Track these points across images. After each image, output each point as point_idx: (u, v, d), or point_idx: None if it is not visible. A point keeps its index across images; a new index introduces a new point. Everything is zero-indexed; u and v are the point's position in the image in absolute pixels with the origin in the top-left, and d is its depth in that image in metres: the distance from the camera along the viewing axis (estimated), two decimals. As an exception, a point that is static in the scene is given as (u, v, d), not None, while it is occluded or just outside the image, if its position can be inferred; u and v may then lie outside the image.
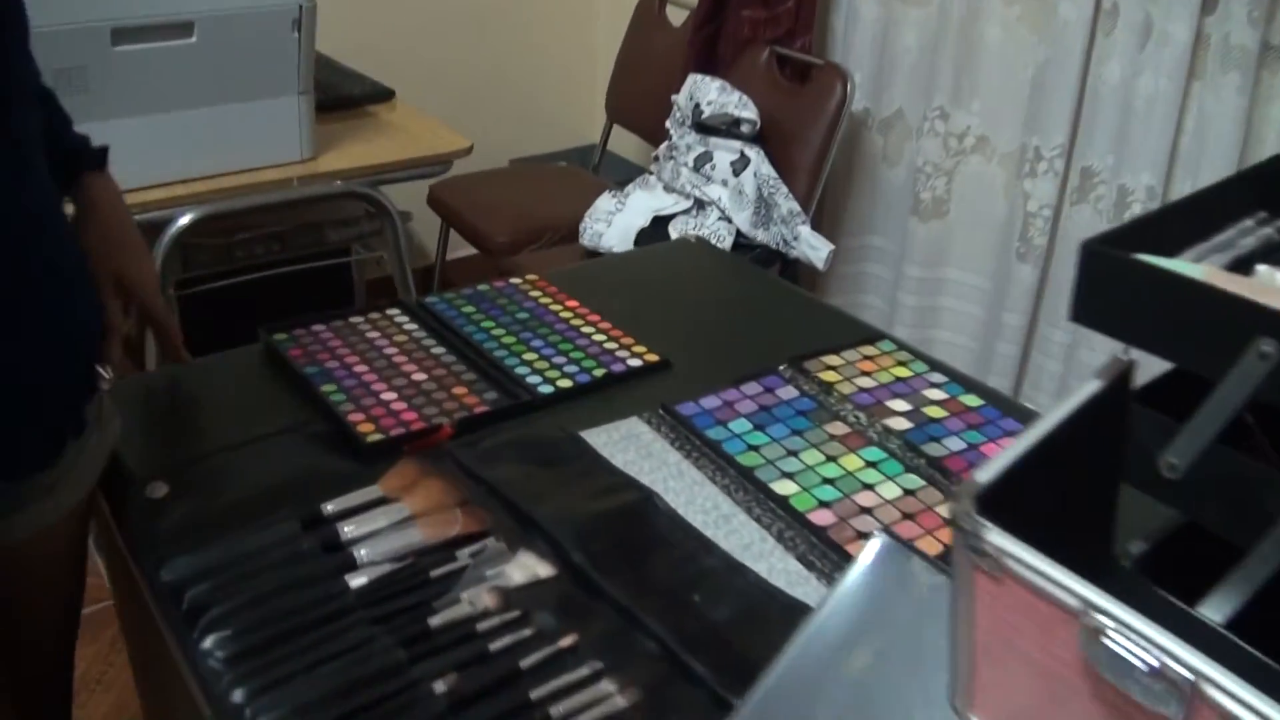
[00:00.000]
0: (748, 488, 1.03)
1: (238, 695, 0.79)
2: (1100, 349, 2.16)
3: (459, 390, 1.14)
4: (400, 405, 1.11)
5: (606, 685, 0.82)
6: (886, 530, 0.83)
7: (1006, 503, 0.54)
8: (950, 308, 2.45)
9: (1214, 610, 0.58)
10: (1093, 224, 2.12)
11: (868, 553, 0.82)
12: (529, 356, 1.21)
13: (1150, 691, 0.45)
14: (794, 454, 1.08)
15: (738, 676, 0.82)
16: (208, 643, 0.82)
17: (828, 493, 1.03)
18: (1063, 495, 0.60)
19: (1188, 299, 0.58)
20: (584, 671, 0.83)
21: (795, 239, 2.22)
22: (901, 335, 2.46)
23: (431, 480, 0.99)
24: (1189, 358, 0.60)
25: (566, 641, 0.85)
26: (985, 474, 0.54)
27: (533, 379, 1.16)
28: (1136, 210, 2.02)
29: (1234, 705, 0.43)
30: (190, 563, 0.89)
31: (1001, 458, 0.55)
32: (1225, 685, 0.43)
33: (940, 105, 2.30)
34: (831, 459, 1.07)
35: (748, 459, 1.07)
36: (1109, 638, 0.46)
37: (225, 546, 0.90)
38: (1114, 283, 0.63)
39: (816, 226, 2.29)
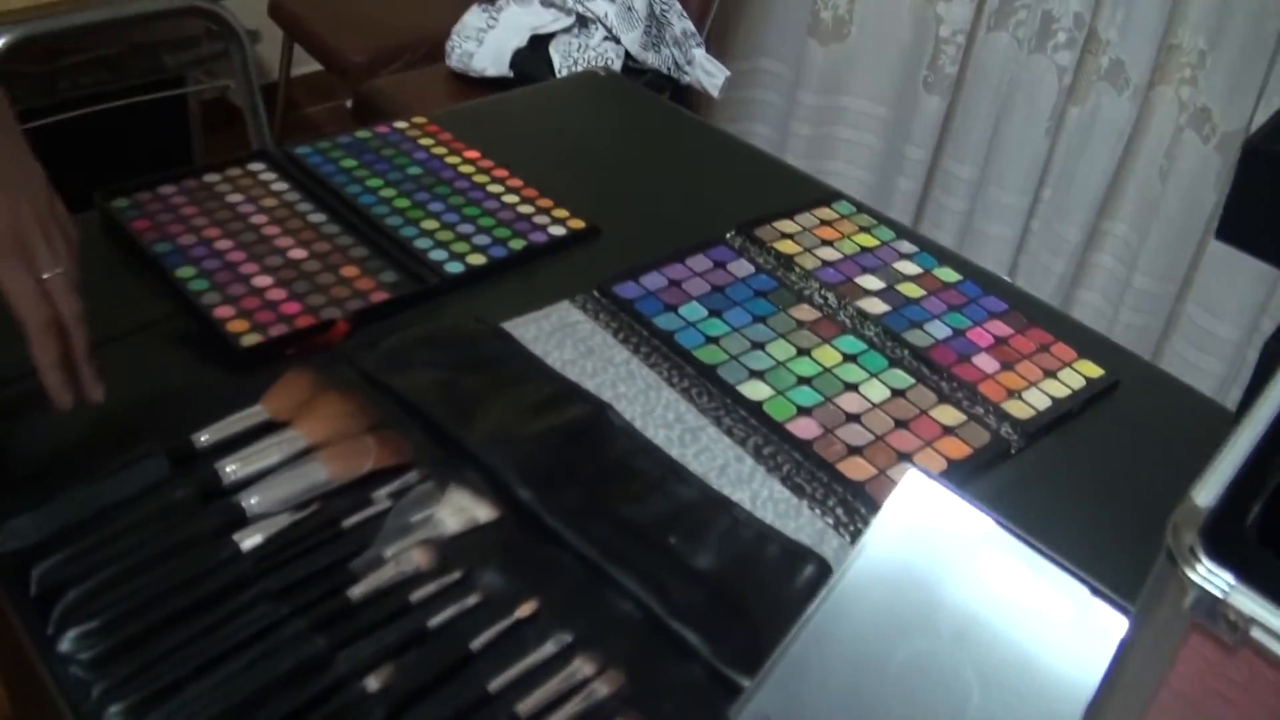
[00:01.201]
0: (712, 391, 0.88)
1: (113, 713, 0.61)
2: (1011, 188, 2.05)
3: (349, 272, 0.94)
4: (279, 294, 0.90)
5: (581, 665, 0.67)
6: (913, 463, 0.69)
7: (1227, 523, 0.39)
8: (847, 139, 2.30)
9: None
10: (1011, 53, 1.98)
11: (898, 495, 0.68)
12: (430, 225, 1.01)
13: None
14: (760, 346, 0.92)
15: (739, 647, 0.68)
16: (67, 643, 0.63)
17: (806, 396, 0.88)
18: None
19: None
20: (550, 649, 0.67)
21: (689, 63, 2.01)
22: (793, 166, 2.31)
23: (330, 397, 0.80)
24: None
25: (524, 610, 0.69)
26: (1207, 494, 0.39)
27: (438, 255, 0.97)
28: (1061, 40, 1.88)
29: None
30: (34, 523, 0.69)
31: (1219, 469, 0.40)
32: None
33: (845, -87, 2.10)
34: (804, 352, 0.92)
35: (707, 354, 0.91)
36: None
37: (77, 498, 0.71)
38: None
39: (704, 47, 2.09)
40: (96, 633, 0.64)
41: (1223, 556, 0.38)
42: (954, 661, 0.64)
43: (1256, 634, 0.37)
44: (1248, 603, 0.37)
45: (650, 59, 2.00)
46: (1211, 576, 0.38)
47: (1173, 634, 0.40)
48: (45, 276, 0.71)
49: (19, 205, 0.71)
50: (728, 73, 2.03)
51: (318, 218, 1.00)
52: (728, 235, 1.05)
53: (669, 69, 2.02)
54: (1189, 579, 0.38)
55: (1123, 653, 0.43)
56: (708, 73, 2.01)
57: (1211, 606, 0.38)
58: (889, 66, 2.17)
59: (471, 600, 0.69)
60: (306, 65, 2.43)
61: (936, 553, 0.67)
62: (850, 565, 0.66)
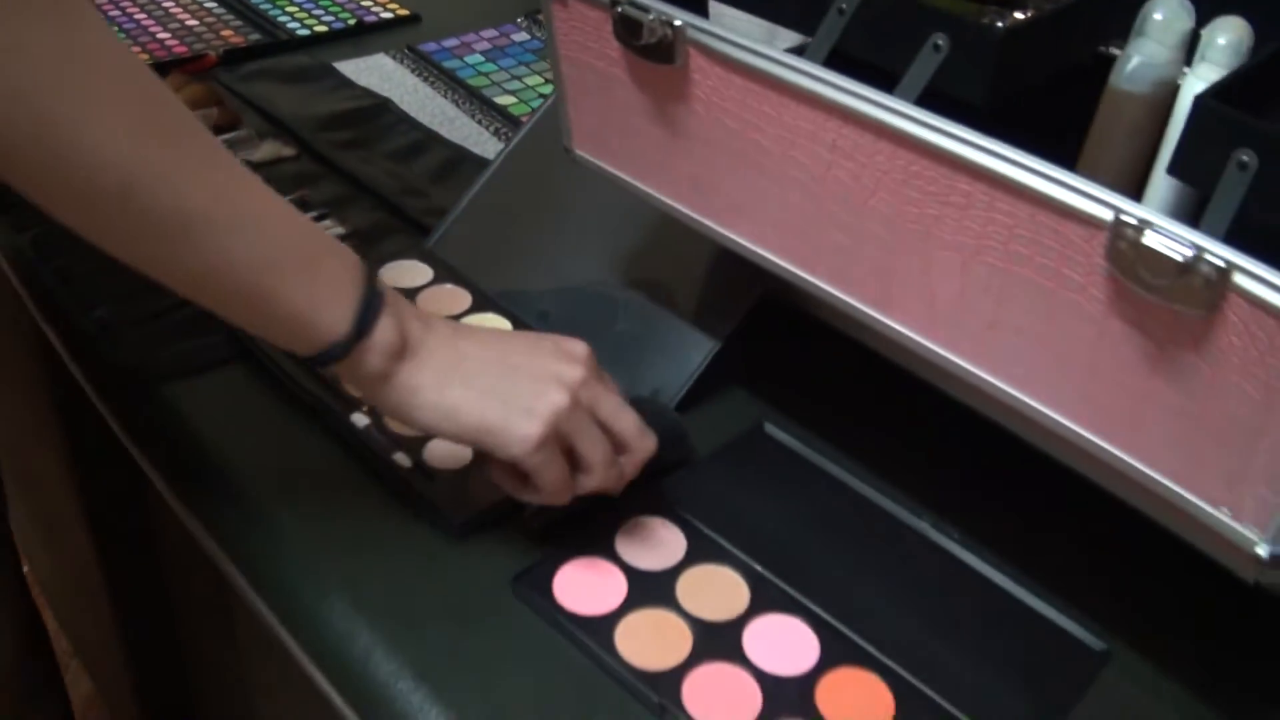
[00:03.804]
0: (474, 101, 1.19)
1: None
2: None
3: (225, 33, 1.27)
4: (173, 42, 1.23)
5: (329, 223, 0.98)
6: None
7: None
8: None
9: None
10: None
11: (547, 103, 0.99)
12: (291, 9, 1.33)
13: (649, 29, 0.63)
14: (519, 79, 1.24)
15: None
16: None
17: (541, 103, 1.19)
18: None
19: None
20: (311, 215, 0.99)
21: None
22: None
23: (194, 87, 1.12)
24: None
25: (296, 195, 1.01)
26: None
27: (292, 25, 1.29)
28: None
29: (720, 44, 0.61)
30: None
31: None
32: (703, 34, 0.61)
33: None
34: (549, 81, 1.23)
35: (477, 81, 1.22)
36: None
37: None
38: None
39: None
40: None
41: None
42: (589, 202, 0.94)
43: None
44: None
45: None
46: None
47: (548, 13, 0.70)
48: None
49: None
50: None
51: (211, 4, 1.33)
52: (518, 20, 1.36)
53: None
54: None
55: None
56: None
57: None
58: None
59: (265, 188, 1.01)
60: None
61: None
62: (505, 152, 0.97)
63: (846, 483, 0.78)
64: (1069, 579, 0.72)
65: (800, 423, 0.82)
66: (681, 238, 0.86)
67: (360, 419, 0.77)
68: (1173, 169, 0.67)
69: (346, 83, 1.18)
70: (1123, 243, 0.50)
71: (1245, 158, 0.64)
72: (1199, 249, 0.48)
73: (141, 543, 1.08)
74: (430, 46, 1.27)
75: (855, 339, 0.78)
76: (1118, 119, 0.70)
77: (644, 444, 0.67)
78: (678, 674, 0.64)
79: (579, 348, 0.66)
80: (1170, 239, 0.49)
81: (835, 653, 0.66)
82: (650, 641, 0.65)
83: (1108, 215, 0.50)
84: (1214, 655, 0.69)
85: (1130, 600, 0.72)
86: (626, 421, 0.66)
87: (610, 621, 0.66)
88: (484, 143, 1.11)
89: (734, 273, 0.83)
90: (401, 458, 0.75)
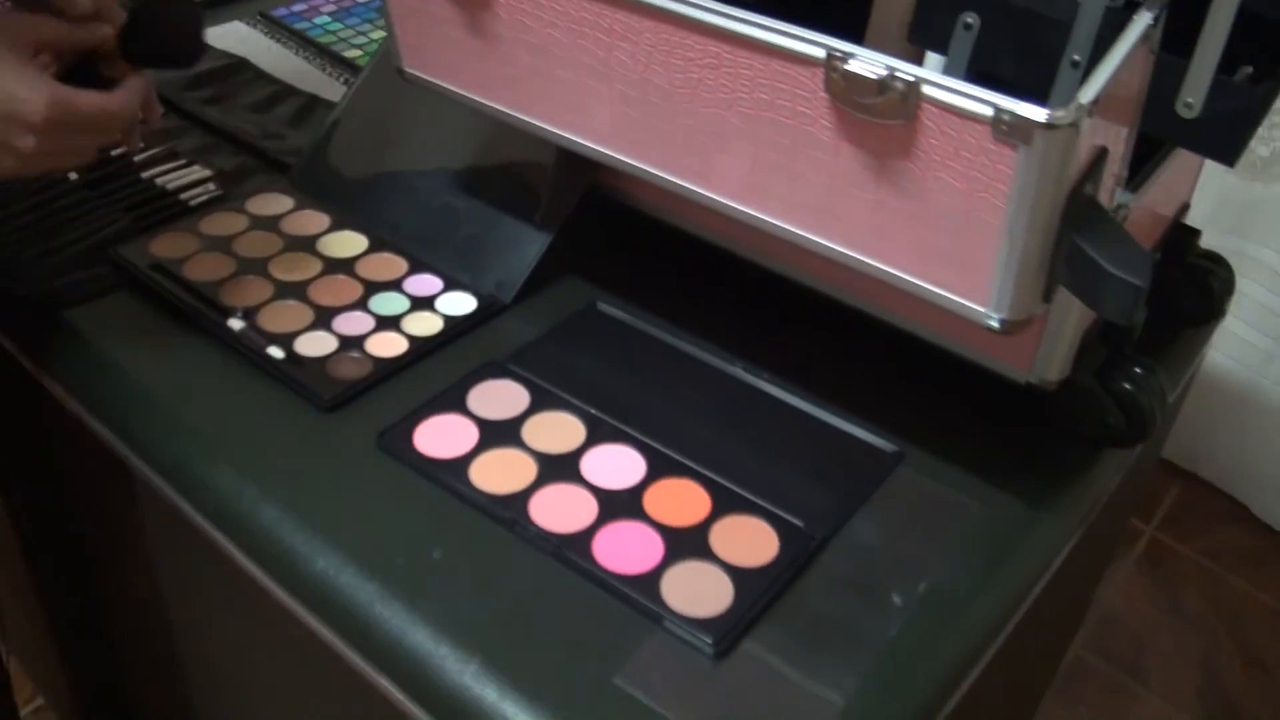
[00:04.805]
0: (324, 57, 1.25)
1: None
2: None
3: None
4: (33, 24, 1.27)
5: (197, 168, 1.04)
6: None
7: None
8: None
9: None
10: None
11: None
12: (147, -12, 1.38)
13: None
14: (363, 34, 1.30)
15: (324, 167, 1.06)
16: None
17: (387, 54, 1.26)
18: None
19: None
20: (180, 163, 1.05)
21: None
22: None
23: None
24: None
25: (165, 147, 1.07)
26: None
27: (149, 1, 1.34)
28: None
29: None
30: None
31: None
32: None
33: None
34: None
35: (325, 39, 1.28)
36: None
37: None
38: None
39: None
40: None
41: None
42: (429, 125, 1.02)
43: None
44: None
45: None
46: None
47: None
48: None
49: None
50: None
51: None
52: (362, -16, 1.43)
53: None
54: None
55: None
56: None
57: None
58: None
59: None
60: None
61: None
62: (361, 78, 1.05)
63: (669, 343, 0.87)
64: (864, 400, 0.82)
65: (628, 299, 0.91)
66: (513, 144, 0.94)
67: (236, 323, 0.84)
68: (912, 36, 0.77)
69: (207, 46, 1.24)
70: (835, 74, 0.59)
71: (969, 20, 0.74)
72: (891, 69, 0.58)
73: (45, 487, 1.13)
74: (281, 11, 1.33)
75: (662, 219, 0.87)
76: (890, 12, 0.79)
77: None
78: (525, 495, 0.72)
79: (32, 112, 0.68)
80: (869, 64, 0.58)
81: (659, 468, 0.75)
82: (500, 473, 0.74)
83: (820, 53, 0.60)
84: (995, 444, 0.80)
85: (918, 412, 0.82)
86: (102, 138, 0.75)
87: (465, 461, 0.74)
88: (334, 90, 1.18)
89: (562, 171, 0.91)
90: (275, 350, 0.82)
